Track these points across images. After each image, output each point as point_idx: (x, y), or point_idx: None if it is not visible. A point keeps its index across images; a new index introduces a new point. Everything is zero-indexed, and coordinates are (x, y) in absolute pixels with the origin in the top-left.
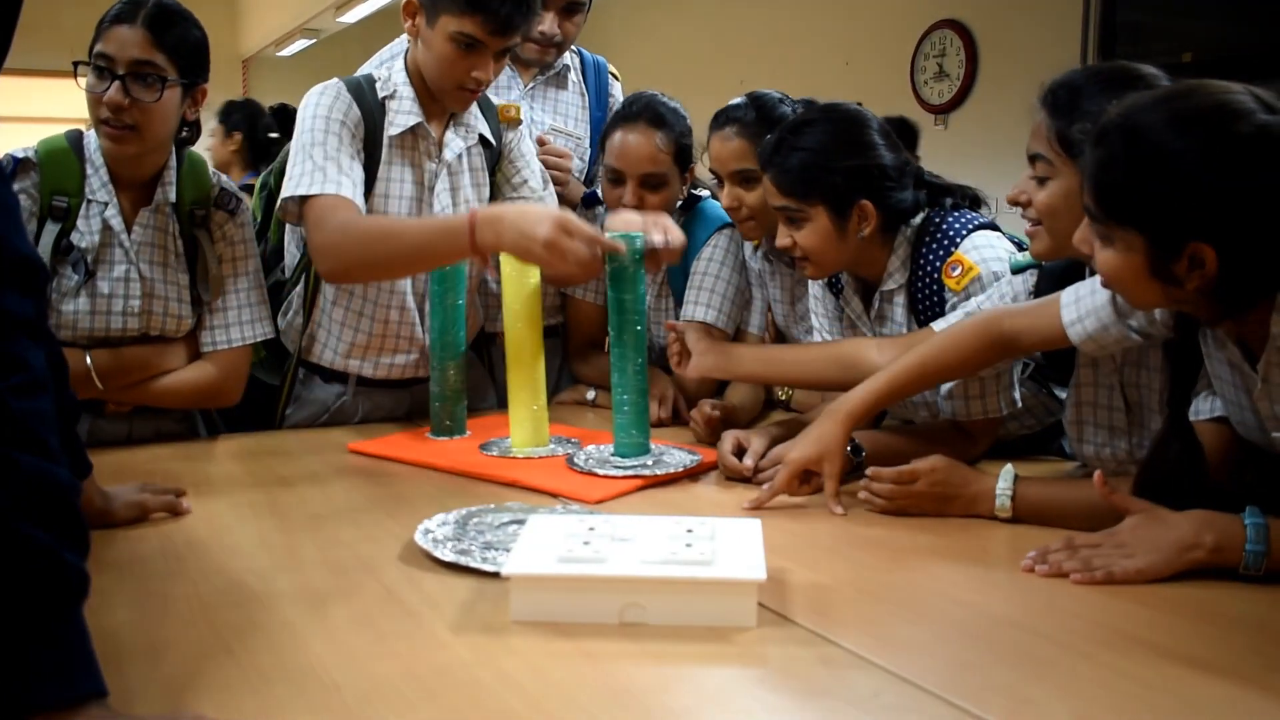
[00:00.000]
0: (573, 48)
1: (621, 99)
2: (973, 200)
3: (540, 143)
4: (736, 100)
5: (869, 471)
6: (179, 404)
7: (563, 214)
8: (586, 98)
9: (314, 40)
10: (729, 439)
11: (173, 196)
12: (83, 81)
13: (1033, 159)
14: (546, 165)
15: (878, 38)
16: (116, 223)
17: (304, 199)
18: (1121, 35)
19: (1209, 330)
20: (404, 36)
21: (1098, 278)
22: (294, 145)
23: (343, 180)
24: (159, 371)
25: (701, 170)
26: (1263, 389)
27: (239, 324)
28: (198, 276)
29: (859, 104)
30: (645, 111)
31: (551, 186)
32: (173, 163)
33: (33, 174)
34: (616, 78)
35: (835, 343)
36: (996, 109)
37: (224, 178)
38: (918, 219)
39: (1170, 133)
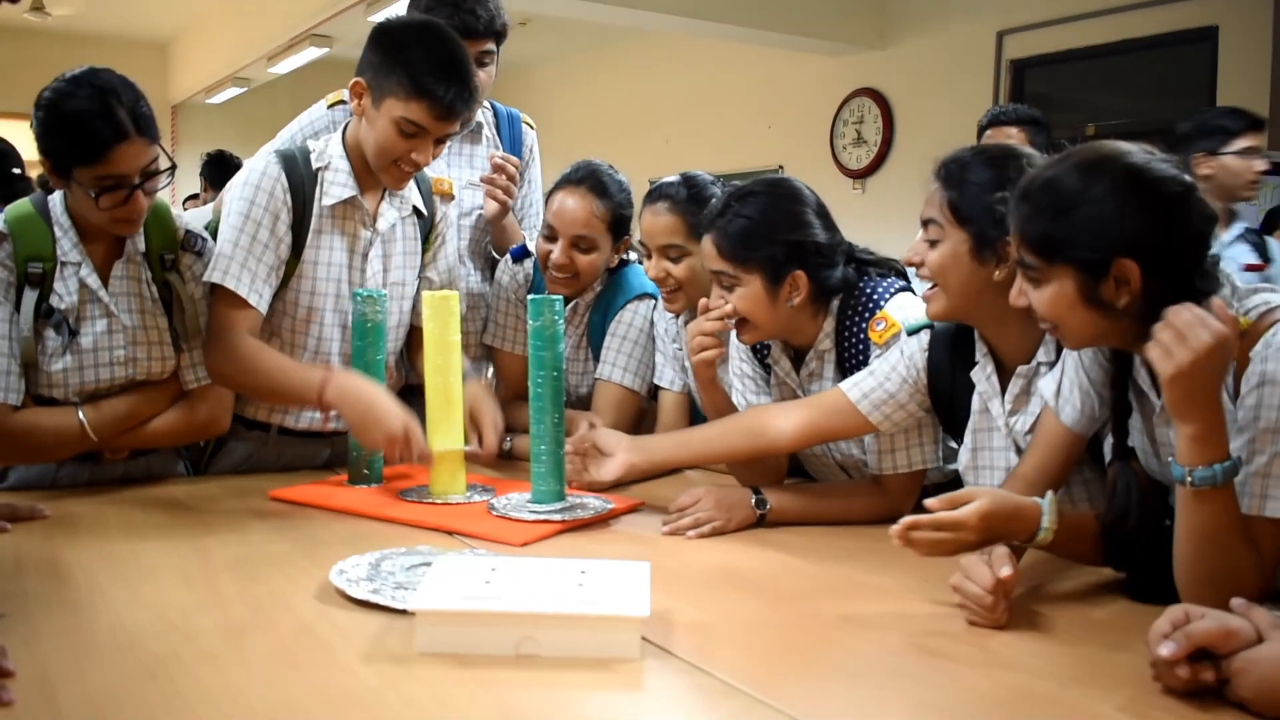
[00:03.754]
0: (486, 102)
1: (537, 147)
2: (896, 271)
3: (496, 168)
4: (670, 178)
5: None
6: (173, 443)
7: (402, 427)
8: (501, 150)
9: (244, 89)
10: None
11: (142, 246)
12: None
13: (925, 223)
14: (494, 187)
15: (800, 103)
16: (93, 281)
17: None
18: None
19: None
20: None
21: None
22: (220, 221)
23: (242, 275)
24: (149, 416)
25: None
26: (1161, 413)
27: None
28: (174, 318)
29: (779, 166)
30: (589, 178)
31: (455, 272)
32: None
33: (5, 245)
34: (531, 126)
35: (738, 416)
36: (912, 175)
37: (187, 220)
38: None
39: (1079, 175)
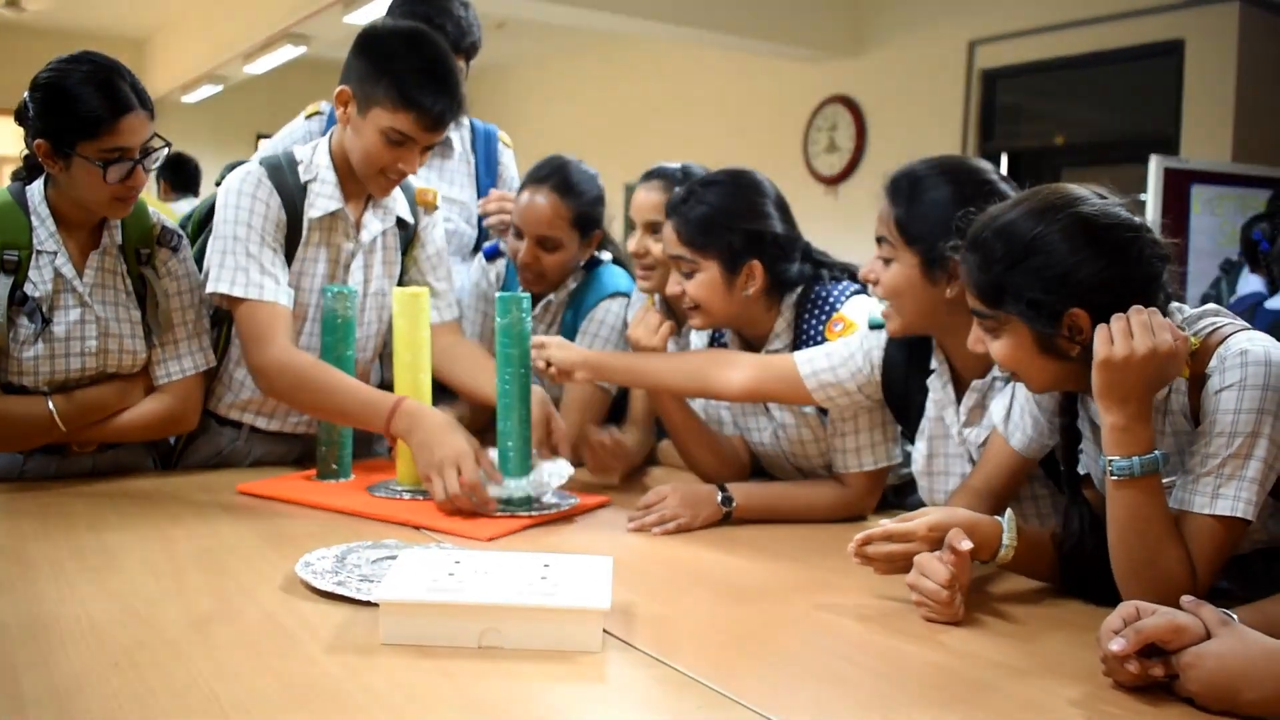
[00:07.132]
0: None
1: (513, 166)
2: (850, 275)
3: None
4: (673, 164)
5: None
6: (141, 437)
7: (465, 456)
8: (473, 164)
9: (220, 88)
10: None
11: (119, 239)
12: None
13: (878, 240)
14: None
15: (773, 110)
16: (68, 270)
17: (231, 296)
18: (1000, 116)
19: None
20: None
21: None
22: (216, 231)
23: (265, 282)
24: (118, 409)
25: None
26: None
27: (190, 354)
28: (147, 312)
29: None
30: (554, 176)
31: (452, 280)
32: None
33: None
34: (508, 145)
35: (692, 356)
36: (883, 182)
37: (163, 217)
38: (800, 288)
39: (1028, 227)
